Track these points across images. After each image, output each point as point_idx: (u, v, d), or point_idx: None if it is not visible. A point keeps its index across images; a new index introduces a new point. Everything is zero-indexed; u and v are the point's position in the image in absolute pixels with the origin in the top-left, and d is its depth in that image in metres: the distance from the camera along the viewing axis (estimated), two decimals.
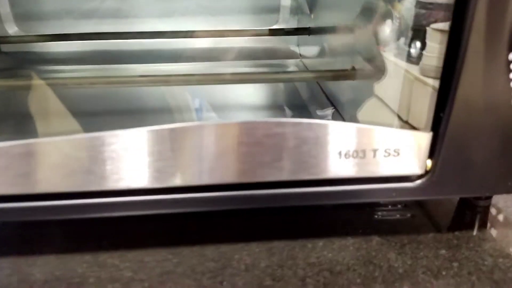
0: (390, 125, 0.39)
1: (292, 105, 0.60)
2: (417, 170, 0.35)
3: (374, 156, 0.34)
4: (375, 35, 0.42)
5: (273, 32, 0.69)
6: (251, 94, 0.61)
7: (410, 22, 0.36)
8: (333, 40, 0.57)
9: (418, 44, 0.35)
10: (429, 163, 0.35)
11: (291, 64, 0.70)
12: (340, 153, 0.34)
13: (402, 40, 0.37)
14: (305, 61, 0.69)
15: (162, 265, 0.36)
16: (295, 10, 0.71)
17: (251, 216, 0.41)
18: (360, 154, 0.34)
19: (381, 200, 0.41)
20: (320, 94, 0.58)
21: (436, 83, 0.34)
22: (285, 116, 0.58)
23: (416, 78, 0.35)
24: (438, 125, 0.34)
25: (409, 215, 0.43)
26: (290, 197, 0.35)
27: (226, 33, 0.66)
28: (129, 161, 0.33)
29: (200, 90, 0.56)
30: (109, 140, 0.32)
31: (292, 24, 0.71)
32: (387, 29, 0.40)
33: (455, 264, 0.36)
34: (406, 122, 0.37)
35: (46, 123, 0.48)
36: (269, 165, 0.33)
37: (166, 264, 0.36)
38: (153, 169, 0.33)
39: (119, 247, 0.37)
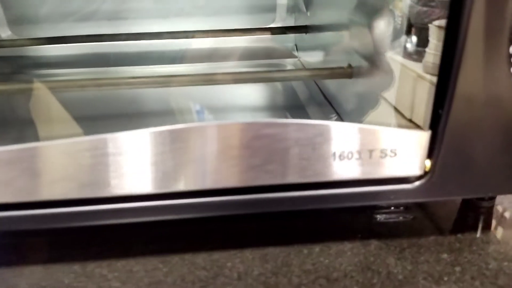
0: (389, 124, 0.38)
1: (289, 106, 0.59)
2: (415, 171, 0.34)
3: (370, 157, 0.33)
4: (375, 32, 0.41)
5: (270, 31, 0.68)
6: (248, 95, 0.60)
7: (412, 19, 0.35)
8: (330, 38, 0.56)
9: (420, 41, 0.34)
10: (428, 163, 0.34)
11: (289, 64, 0.69)
12: (334, 155, 0.32)
13: (404, 38, 0.36)
14: (303, 60, 0.67)
15: (152, 275, 0.34)
16: (292, 9, 0.70)
17: (244, 222, 0.40)
18: (355, 155, 0.33)
19: (379, 203, 0.40)
20: (318, 94, 0.57)
21: (435, 79, 0.32)
22: (283, 117, 0.57)
23: (419, 76, 0.34)
24: (437, 123, 0.32)
25: (409, 217, 0.41)
26: (283, 202, 0.34)
27: (222, 33, 0.65)
28: (117, 167, 0.32)
29: (197, 92, 0.55)
30: (106, 144, 0.31)
31: (289, 22, 0.70)
32: (387, 27, 0.38)
33: (458, 269, 0.35)
34: (410, 121, 0.35)
35: (45, 128, 0.47)
36: (259, 168, 0.32)
37: (156, 274, 0.34)
38: (145, 174, 0.32)
39: (108, 256, 0.36)
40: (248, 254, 0.36)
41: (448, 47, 0.31)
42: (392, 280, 0.34)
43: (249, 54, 0.69)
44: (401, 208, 0.42)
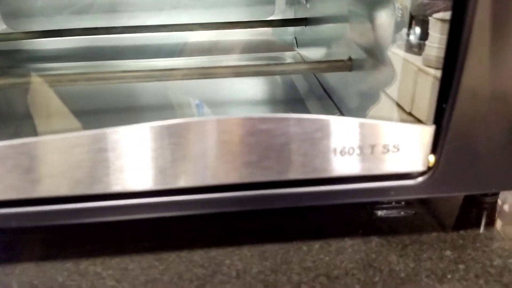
0: (390, 118, 0.37)
1: (289, 99, 0.58)
2: (418, 166, 0.33)
3: (372, 152, 0.32)
4: (376, 24, 0.40)
5: (269, 24, 0.67)
6: (247, 89, 0.59)
7: (413, 12, 0.34)
8: (330, 31, 0.55)
9: (420, 34, 0.34)
10: (431, 158, 0.33)
11: (289, 57, 0.68)
12: (334, 150, 0.32)
13: (404, 30, 0.35)
14: (303, 53, 0.66)
15: (147, 273, 0.33)
16: (291, 1, 0.69)
17: (243, 218, 0.39)
18: (356, 150, 0.32)
19: (380, 199, 0.39)
20: (318, 88, 0.56)
21: (437, 73, 0.31)
22: (282, 111, 0.56)
23: (420, 69, 0.33)
24: (441, 118, 0.31)
25: (410, 213, 0.41)
26: (282, 198, 0.33)
27: (221, 26, 0.64)
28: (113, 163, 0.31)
29: (195, 86, 0.55)
30: (102, 139, 0.30)
31: (289, 15, 0.69)
32: (389, 18, 0.37)
33: (461, 266, 0.34)
34: (410, 114, 0.35)
35: (43, 122, 0.46)
36: (257, 164, 0.31)
37: (152, 272, 0.34)
38: (140, 170, 0.31)
39: (102, 253, 0.35)
40: (247, 251, 0.35)
41: (452, 39, 0.30)
42: (394, 278, 0.33)
43: (248, 48, 0.68)
44: (402, 203, 0.41)
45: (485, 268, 0.34)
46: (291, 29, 0.70)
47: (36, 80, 0.48)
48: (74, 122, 0.45)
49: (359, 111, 0.44)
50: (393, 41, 0.37)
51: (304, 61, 0.64)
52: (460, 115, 0.31)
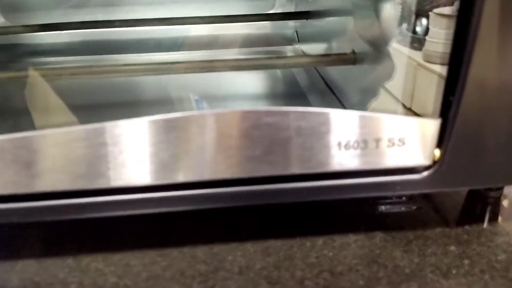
0: (393, 112, 0.36)
1: (290, 94, 0.57)
2: (424, 160, 0.32)
3: (377, 146, 0.31)
4: (381, 16, 0.39)
5: (270, 17, 0.67)
6: (248, 84, 0.58)
7: (413, 7, 0.33)
8: (332, 24, 0.54)
9: (421, 29, 0.33)
10: (437, 152, 0.32)
11: (290, 51, 0.68)
12: (339, 144, 0.31)
13: (404, 26, 0.35)
14: (304, 47, 0.66)
15: (150, 269, 0.33)
16: None
17: (246, 214, 0.38)
18: (361, 144, 0.31)
19: (386, 194, 0.38)
20: (320, 82, 0.56)
21: (438, 68, 0.31)
22: (284, 105, 0.55)
23: (420, 65, 0.33)
24: (447, 111, 0.31)
25: (414, 208, 0.40)
26: (286, 193, 0.33)
27: (221, 19, 0.63)
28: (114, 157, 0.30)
29: (195, 81, 0.54)
30: (101, 133, 0.30)
31: (290, 8, 0.68)
32: (394, 9, 0.37)
33: (466, 262, 0.34)
34: (410, 109, 0.34)
35: (40, 116, 0.46)
36: (260, 159, 0.31)
37: (154, 268, 0.33)
38: (141, 164, 0.31)
39: (104, 249, 0.35)
40: (250, 247, 0.35)
41: (460, 32, 0.29)
42: (399, 273, 0.33)
43: (248, 42, 0.67)
44: (404, 198, 0.41)
45: (490, 263, 0.34)
46: (292, 23, 0.69)
47: (35, 74, 0.48)
48: (71, 117, 0.45)
49: (360, 105, 0.43)
50: (396, 33, 0.37)
51: (306, 54, 0.64)
52: (467, 108, 0.31)
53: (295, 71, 0.60)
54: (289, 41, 0.68)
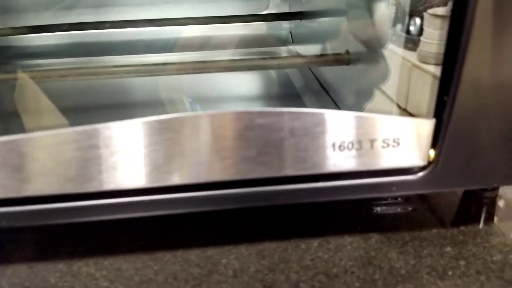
0: (388, 113, 0.36)
1: (284, 95, 0.57)
2: (419, 161, 0.32)
3: (372, 147, 0.31)
4: (375, 16, 0.39)
5: (264, 18, 0.66)
6: (242, 85, 0.58)
7: (406, 7, 0.33)
8: (326, 24, 0.54)
9: (415, 30, 0.33)
10: (432, 153, 0.32)
11: (284, 52, 0.67)
12: (333, 145, 0.31)
13: (399, 26, 0.34)
14: (298, 47, 0.65)
15: (142, 273, 0.33)
16: None
17: (240, 216, 0.38)
18: (356, 145, 0.31)
19: (381, 195, 0.38)
20: (314, 82, 0.55)
21: (433, 68, 0.31)
22: (281, 105, 0.55)
23: (414, 65, 0.33)
24: (441, 111, 0.31)
25: (410, 208, 0.40)
26: (280, 195, 0.32)
27: (214, 20, 0.63)
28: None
29: (189, 82, 0.54)
30: (93, 135, 0.29)
31: (284, 9, 0.68)
32: (388, 9, 0.37)
33: (462, 263, 0.33)
34: (405, 110, 0.34)
35: (30, 119, 0.45)
36: (254, 160, 0.30)
37: (146, 272, 0.33)
38: (134, 167, 0.30)
39: (95, 253, 0.34)
40: (244, 249, 0.35)
41: (453, 31, 0.29)
42: (394, 275, 0.32)
43: (242, 43, 0.67)
44: (399, 199, 0.41)
45: (486, 264, 0.33)
46: (286, 23, 0.69)
47: (24, 76, 0.47)
48: (61, 119, 0.44)
49: (355, 106, 0.43)
50: (390, 34, 0.37)
51: (300, 55, 0.64)
52: (461, 108, 0.30)
53: (289, 72, 0.60)
54: (283, 42, 0.68)
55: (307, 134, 0.30)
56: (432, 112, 0.31)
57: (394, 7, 0.36)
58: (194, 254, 0.34)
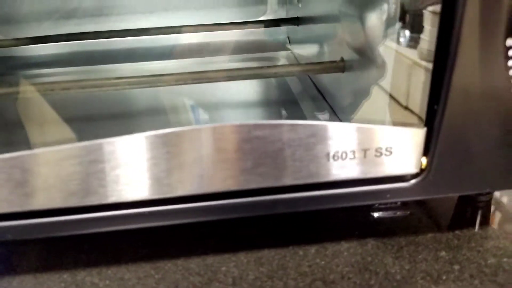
0: (386, 114, 0.37)
1: (283, 100, 0.58)
2: (411, 169, 0.33)
3: (365, 156, 0.32)
4: (366, 26, 0.40)
5: (262, 24, 0.67)
6: (241, 91, 0.59)
7: (406, 5, 0.34)
8: (322, 31, 0.54)
9: (415, 28, 0.33)
10: (424, 161, 0.33)
11: (282, 57, 0.68)
12: (328, 155, 0.32)
13: (399, 24, 0.35)
14: (296, 53, 0.66)
15: (144, 282, 0.33)
16: (284, 0, 0.68)
17: (239, 224, 0.39)
18: (349, 155, 0.32)
19: (375, 202, 0.39)
20: (312, 88, 0.56)
21: (432, 66, 0.31)
22: (276, 113, 0.56)
23: (415, 63, 0.33)
24: (432, 120, 0.31)
25: (406, 213, 0.41)
26: (277, 204, 0.33)
27: (213, 27, 0.64)
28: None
29: (188, 88, 0.54)
30: (96, 150, 0.30)
31: (281, 14, 0.69)
32: (380, 19, 0.37)
33: (456, 267, 0.34)
34: (406, 108, 0.34)
35: (34, 129, 0.46)
36: (251, 171, 0.31)
37: (148, 281, 0.34)
38: (135, 180, 0.31)
39: (99, 263, 0.35)
40: (243, 257, 0.36)
41: (442, 41, 0.30)
42: (390, 280, 0.33)
43: (240, 48, 0.67)
44: (398, 203, 0.41)
45: (480, 268, 0.34)
46: (283, 28, 0.69)
47: (27, 89, 0.48)
48: (66, 129, 0.45)
49: (353, 109, 0.43)
50: (386, 37, 0.37)
51: (297, 61, 0.64)
52: (451, 117, 0.31)
53: (287, 77, 0.60)
54: (281, 46, 0.69)
55: (302, 145, 0.31)
56: (423, 120, 0.32)
57: (394, 5, 0.36)
58: (195, 263, 0.35)
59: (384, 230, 0.38)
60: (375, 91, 0.39)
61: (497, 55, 0.30)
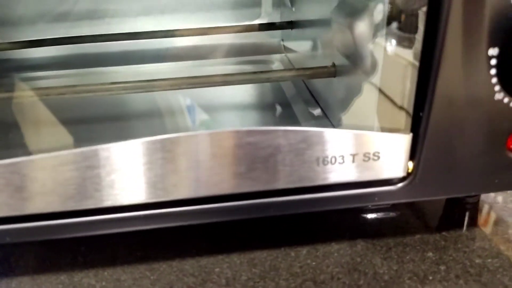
0: (371, 128, 0.38)
1: (276, 103, 0.59)
2: (398, 172, 0.34)
3: (354, 161, 0.33)
4: (355, 33, 0.40)
5: (256, 27, 0.68)
6: (235, 94, 0.60)
7: (401, 6, 0.34)
8: (315, 35, 0.55)
9: (410, 28, 0.33)
10: (410, 165, 0.34)
11: (276, 60, 0.69)
12: (317, 160, 0.33)
13: (394, 23, 0.35)
14: (290, 56, 0.67)
15: (140, 283, 0.34)
16: (278, 3, 0.69)
17: (232, 226, 0.40)
18: (338, 159, 0.33)
19: (364, 205, 0.40)
20: (305, 91, 0.57)
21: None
22: (269, 116, 0.57)
23: (410, 63, 0.34)
24: (418, 126, 0.33)
25: (395, 214, 0.42)
26: (269, 207, 0.34)
27: (207, 30, 0.65)
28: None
29: (184, 91, 0.55)
30: (92, 156, 0.31)
31: (275, 17, 0.69)
32: (369, 27, 0.38)
33: (442, 268, 0.35)
34: (401, 108, 0.35)
35: (30, 132, 0.47)
36: (244, 175, 0.32)
37: (144, 282, 0.35)
38: (130, 185, 0.32)
39: (95, 264, 0.36)
40: (236, 258, 0.37)
41: (426, 50, 0.31)
42: (378, 280, 0.34)
43: (235, 50, 0.68)
44: (387, 205, 0.43)
45: (465, 268, 0.35)
46: (278, 31, 0.70)
47: (22, 94, 0.49)
48: (62, 131, 0.46)
49: (344, 113, 0.44)
50: (380, 35, 0.37)
51: (291, 64, 0.65)
52: (436, 123, 0.32)
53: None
54: (275, 49, 0.70)
55: (293, 150, 0.32)
56: (409, 126, 0.33)
57: (389, 6, 0.36)
58: (189, 264, 0.36)
59: (373, 232, 0.39)
60: (366, 94, 0.40)
61: (480, 63, 0.31)
